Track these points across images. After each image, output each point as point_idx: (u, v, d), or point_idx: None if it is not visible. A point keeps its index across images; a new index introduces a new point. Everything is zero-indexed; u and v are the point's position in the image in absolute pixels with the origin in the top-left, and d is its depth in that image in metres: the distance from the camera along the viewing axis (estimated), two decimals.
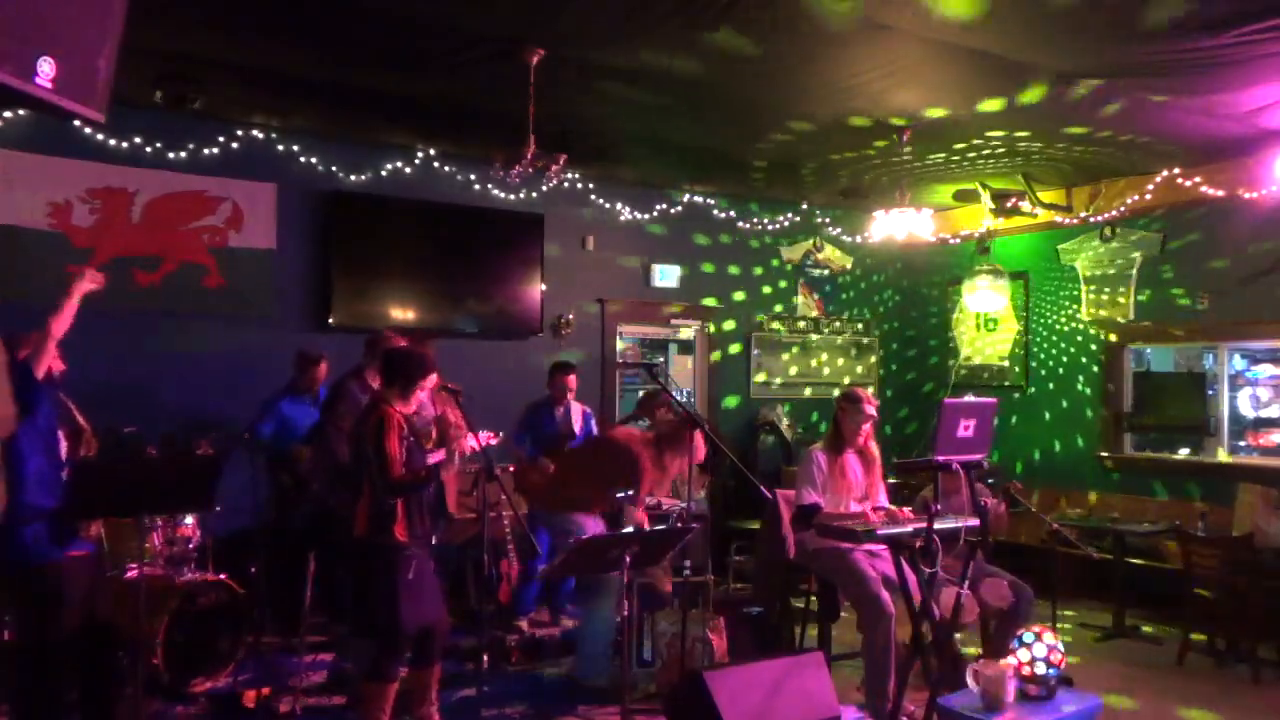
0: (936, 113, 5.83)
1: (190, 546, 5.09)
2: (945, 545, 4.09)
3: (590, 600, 5.03)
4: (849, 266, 9.28)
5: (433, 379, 4.25)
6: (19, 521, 3.73)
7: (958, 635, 4.78)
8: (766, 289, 8.83)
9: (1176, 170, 7.00)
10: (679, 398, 6.09)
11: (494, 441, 5.02)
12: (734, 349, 8.66)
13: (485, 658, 4.95)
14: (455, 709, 4.80)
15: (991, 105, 5.67)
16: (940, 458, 4.07)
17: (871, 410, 4.88)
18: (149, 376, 5.99)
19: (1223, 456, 7.15)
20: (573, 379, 6.28)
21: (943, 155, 6.88)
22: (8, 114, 5.56)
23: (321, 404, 5.34)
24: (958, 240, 8.76)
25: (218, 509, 4.88)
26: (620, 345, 8.21)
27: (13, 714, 3.88)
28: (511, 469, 6.04)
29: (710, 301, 8.50)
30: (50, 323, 3.90)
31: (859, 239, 8.96)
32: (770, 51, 4.85)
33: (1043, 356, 8.32)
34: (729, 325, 8.62)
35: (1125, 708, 4.99)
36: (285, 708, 4.59)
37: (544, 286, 7.46)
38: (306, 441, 5.56)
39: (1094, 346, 7.94)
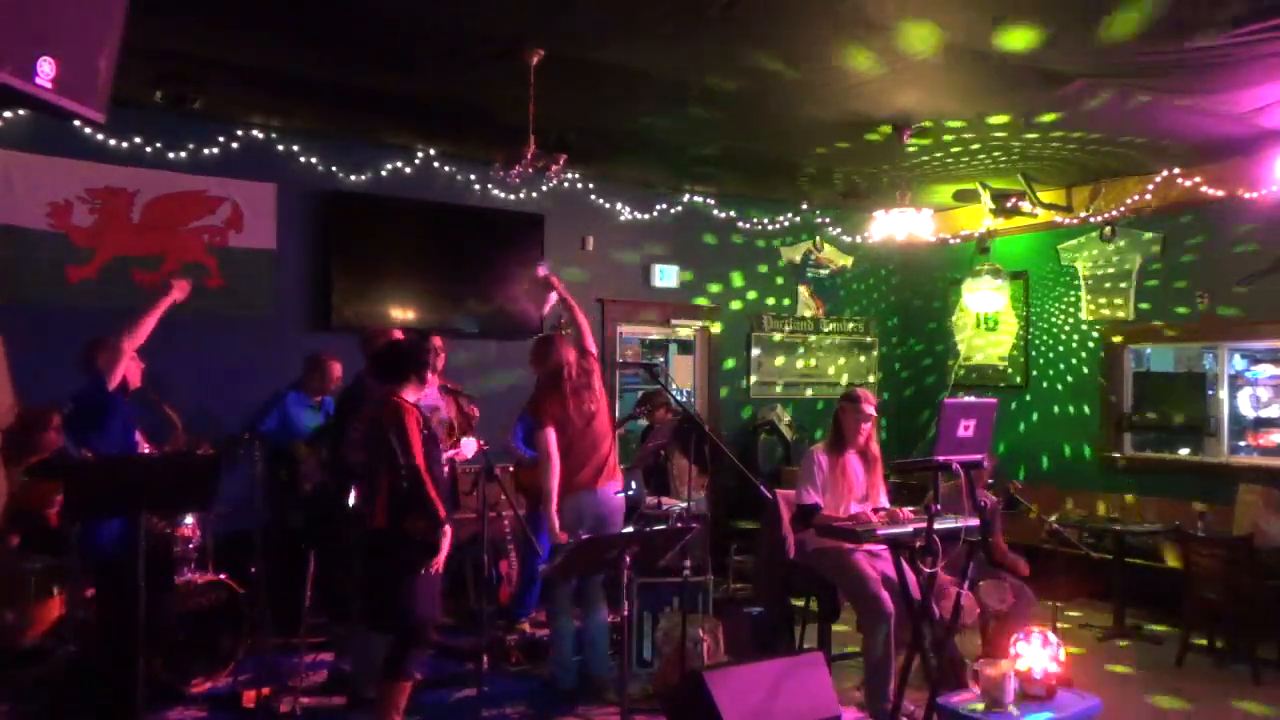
0: (937, 114, 5.84)
1: (190, 546, 5.09)
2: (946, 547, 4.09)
3: (594, 603, 5.00)
4: (849, 266, 9.29)
5: (440, 361, 4.28)
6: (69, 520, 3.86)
7: (957, 635, 4.77)
8: (766, 289, 8.84)
9: (1176, 170, 7.00)
10: (678, 397, 6.08)
11: (486, 448, 5.03)
12: (734, 349, 8.66)
13: (485, 658, 4.95)
14: (455, 709, 4.80)
15: (994, 105, 5.68)
16: (940, 458, 4.07)
17: (870, 410, 4.89)
18: (148, 376, 5.98)
19: (1223, 456, 7.15)
20: None
21: (942, 155, 6.88)
22: (8, 114, 5.56)
23: (339, 404, 5.33)
24: (958, 240, 8.76)
25: (218, 509, 4.91)
26: (620, 345, 8.21)
27: (31, 712, 3.96)
28: (510, 469, 6.03)
29: (710, 302, 8.50)
30: (122, 340, 4.07)
31: (859, 239, 8.96)
32: (770, 53, 4.85)
33: (1042, 357, 8.32)
34: (729, 325, 8.62)
35: (1125, 708, 4.99)
36: (285, 708, 4.59)
37: None
38: (311, 441, 5.56)
39: (1094, 346, 7.95)
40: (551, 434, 4.81)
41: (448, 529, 3.98)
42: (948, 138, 6.42)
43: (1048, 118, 5.74)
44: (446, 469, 5.15)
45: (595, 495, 4.86)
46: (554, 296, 5.39)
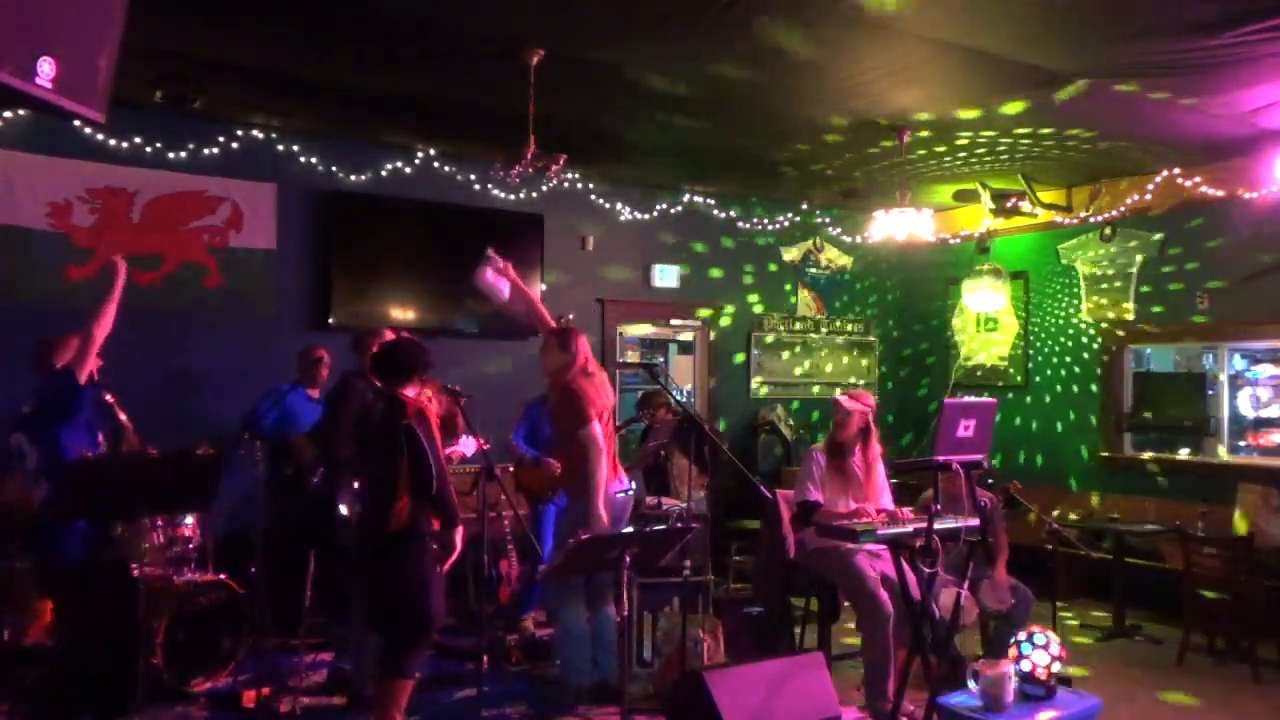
0: (937, 113, 5.84)
1: (190, 546, 5.09)
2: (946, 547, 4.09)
3: (602, 601, 4.99)
4: (849, 266, 9.29)
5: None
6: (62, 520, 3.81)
7: (957, 635, 4.78)
8: (767, 289, 8.83)
9: (1176, 170, 7.00)
10: (678, 397, 6.07)
11: (486, 446, 5.03)
12: (734, 349, 8.66)
13: (485, 658, 4.95)
14: (455, 709, 4.80)
15: (992, 106, 5.68)
16: (940, 458, 4.07)
17: (849, 405, 4.86)
18: (148, 376, 5.99)
19: (1223, 456, 7.15)
20: None
21: (942, 155, 6.87)
22: (8, 114, 5.56)
23: (327, 402, 5.34)
24: (958, 240, 8.76)
25: (218, 509, 4.91)
26: (620, 345, 8.21)
27: (31, 712, 3.93)
28: (511, 468, 6.03)
29: (710, 301, 8.50)
30: (93, 328, 4.03)
31: (859, 239, 8.96)
32: (770, 52, 4.85)
33: (1043, 357, 8.32)
34: (729, 325, 8.62)
35: (1125, 708, 4.99)
36: (285, 708, 4.58)
37: (544, 286, 7.46)
38: (310, 436, 5.56)
39: (1094, 346, 7.94)
40: (598, 426, 4.72)
41: (461, 528, 4.01)
42: (947, 146, 6.44)
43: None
44: None
45: (610, 491, 4.85)
46: (506, 285, 5.27)
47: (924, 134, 6.30)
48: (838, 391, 5.40)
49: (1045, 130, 6.20)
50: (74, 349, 4.05)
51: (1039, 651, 3.80)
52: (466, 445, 5.15)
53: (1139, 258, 7.60)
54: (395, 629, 4.11)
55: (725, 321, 8.60)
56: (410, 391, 4.14)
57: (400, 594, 4.07)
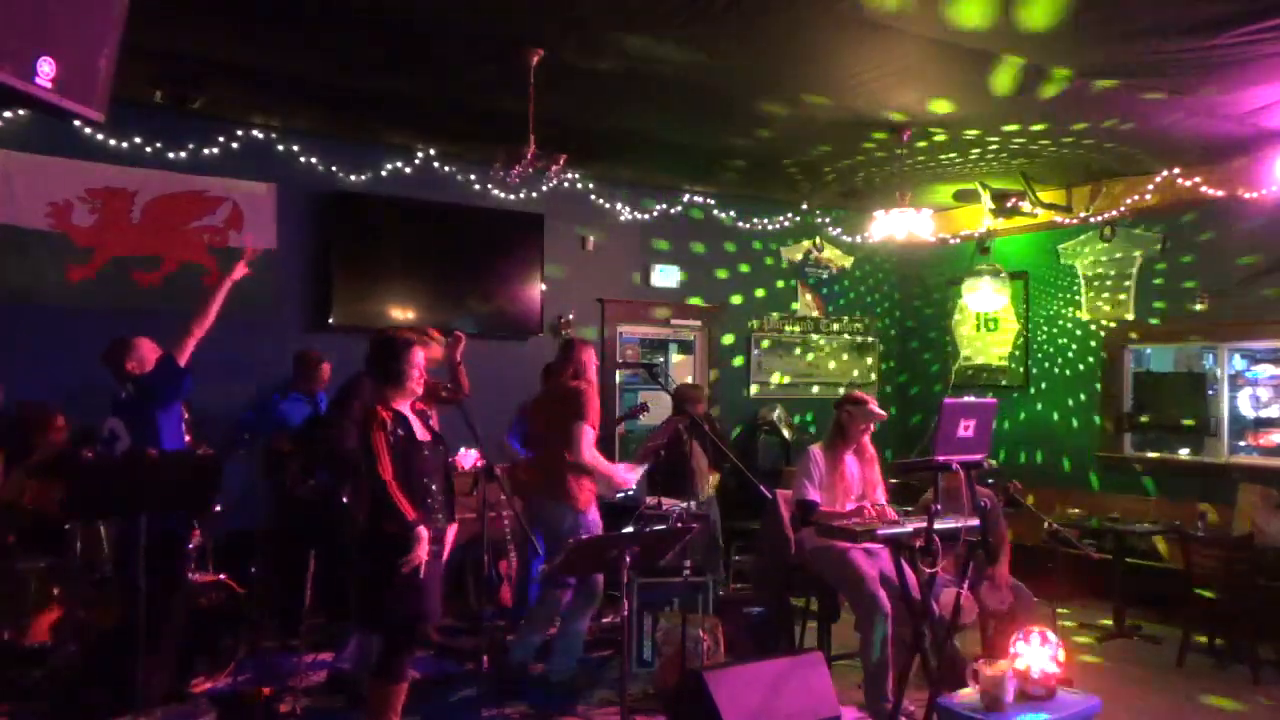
0: (938, 112, 5.84)
1: (190, 546, 5.09)
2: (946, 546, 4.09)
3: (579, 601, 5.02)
4: (849, 266, 9.29)
5: (420, 358, 4.18)
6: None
7: (957, 635, 4.78)
8: (766, 289, 8.83)
9: (1176, 170, 7.00)
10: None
11: (480, 464, 5.00)
12: (734, 349, 8.66)
13: (485, 658, 4.96)
14: (455, 709, 4.80)
15: (991, 106, 5.68)
16: (940, 458, 4.07)
17: (880, 412, 4.91)
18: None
19: (1223, 456, 7.15)
20: None
21: (942, 155, 6.88)
22: (8, 114, 5.56)
23: (334, 397, 5.33)
24: (958, 240, 8.76)
25: (218, 509, 4.90)
26: (620, 345, 8.21)
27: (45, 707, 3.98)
28: (503, 469, 6.02)
29: (710, 302, 8.50)
30: (193, 325, 4.29)
31: (859, 239, 8.96)
32: (771, 52, 4.85)
33: (1043, 356, 8.32)
34: (729, 325, 8.62)
35: (1125, 708, 4.99)
36: (285, 708, 4.59)
37: (544, 286, 7.46)
38: (297, 438, 5.55)
39: (1094, 346, 7.94)
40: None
41: (421, 530, 3.91)
42: (948, 146, 6.44)
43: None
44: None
45: None
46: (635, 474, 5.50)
47: (925, 136, 6.29)
48: (850, 390, 5.40)
49: (1045, 130, 6.20)
50: (147, 352, 4.32)
51: (1039, 651, 3.80)
52: (466, 458, 5.13)
53: (1139, 257, 7.60)
54: (375, 628, 4.09)
55: (726, 321, 8.59)
56: (393, 392, 4.04)
57: (358, 592, 4.04)
